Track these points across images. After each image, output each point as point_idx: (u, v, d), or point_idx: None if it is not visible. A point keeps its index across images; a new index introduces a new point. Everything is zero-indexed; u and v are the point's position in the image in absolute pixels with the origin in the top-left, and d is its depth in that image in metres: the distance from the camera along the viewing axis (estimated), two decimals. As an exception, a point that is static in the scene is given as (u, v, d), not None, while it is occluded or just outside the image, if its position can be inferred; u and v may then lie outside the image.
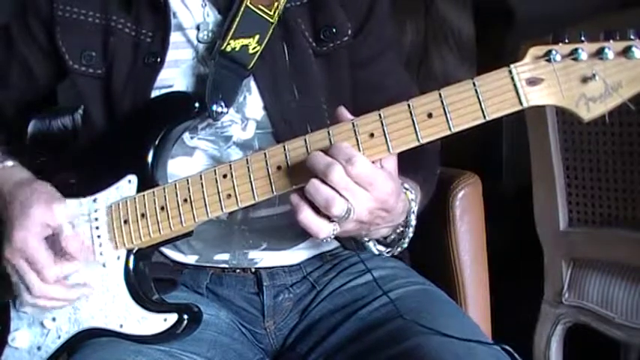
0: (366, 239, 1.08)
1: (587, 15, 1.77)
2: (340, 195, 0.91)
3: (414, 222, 1.06)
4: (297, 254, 1.22)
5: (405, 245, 1.09)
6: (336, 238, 1.22)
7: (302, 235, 1.22)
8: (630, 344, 1.93)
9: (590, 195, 1.86)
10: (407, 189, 1.05)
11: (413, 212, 1.06)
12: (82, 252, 1.08)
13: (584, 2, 2.16)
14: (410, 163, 1.04)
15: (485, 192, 1.39)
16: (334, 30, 1.17)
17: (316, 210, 0.92)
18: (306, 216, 0.93)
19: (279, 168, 0.98)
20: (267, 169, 0.99)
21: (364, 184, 0.92)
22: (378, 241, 1.10)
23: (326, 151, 0.93)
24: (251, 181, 0.99)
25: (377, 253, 1.10)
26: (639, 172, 1.78)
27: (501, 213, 1.90)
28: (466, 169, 1.40)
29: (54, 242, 1.08)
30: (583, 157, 1.85)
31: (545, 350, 1.92)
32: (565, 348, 1.93)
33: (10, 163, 1.18)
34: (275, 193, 0.98)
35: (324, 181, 0.91)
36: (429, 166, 1.21)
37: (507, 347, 1.01)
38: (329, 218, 0.92)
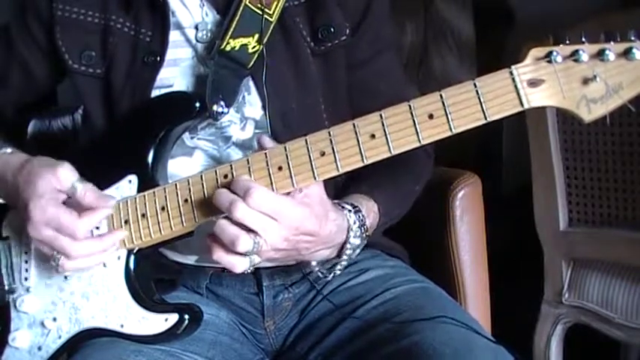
0: (313, 263, 1.08)
1: (587, 15, 1.77)
2: (248, 230, 0.94)
3: (353, 240, 1.06)
4: (296, 254, 1.23)
5: (344, 264, 1.09)
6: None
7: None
8: (630, 344, 1.93)
9: (590, 195, 1.86)
10: (346, 207, 1.06)
11: (351, 230, 1.05)
12: (100, 199, 1.06)
13: (584, 2, 2.16)
14: (365, 182, 1.09)
15: (485, 192, 1.39)
16: (332, 29, 1.17)
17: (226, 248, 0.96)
18: (219, 255, 0.97)
19: (280, 168, 0.98)
20: (268, 169, 0.99)
21: (269, 213, 0.95)
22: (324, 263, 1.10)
23: (229, 187, 0.97)
24: None
25: (320, 275, 1.11)
26: (639, 172, 1.78)
27: (501, 213, 1.90)
28: (466, 169, 1.41)
29: (72, 204, 1.06)
30: (583, 157, 1.86)
31: (545, 350, 1.92)
32: (565, 348, 1.93)
33: (8, 149, 1.17)
34: (276, 192, 0.98)
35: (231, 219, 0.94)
36: (391, 184, 1.20)
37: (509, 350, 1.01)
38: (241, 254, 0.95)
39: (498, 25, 2.62)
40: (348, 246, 1.06)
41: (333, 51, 1.18)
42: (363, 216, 1.07)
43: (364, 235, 1.07)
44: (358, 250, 1.09)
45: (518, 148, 2.13)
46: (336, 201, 1.07)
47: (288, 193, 0.98)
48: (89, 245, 1.05)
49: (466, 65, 2.61)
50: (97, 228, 1.10)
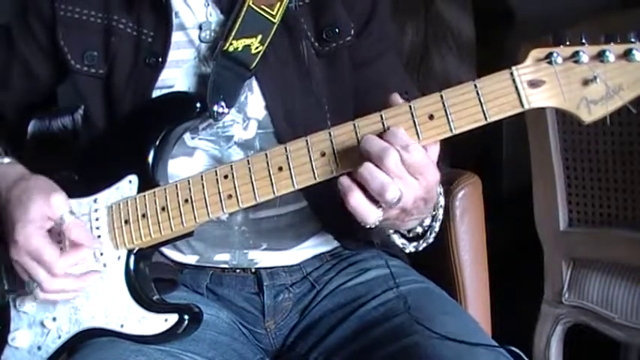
0: (392, 231, 1.07)
1: (587, 15, 1.77)
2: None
3: (441, 216, 1.06)
4: (297, 254, 1.23)
5: (431, 240, 1.08)
6: (339, 236, 1.23)
7: (302, 235, 1.22)
8: (630, 344, 1.93)
9: (590, 195, 1.87)
10: None
11: (441, 206, 1.06)
12: (86, 238, 1.07)
13: (584, 2, 2.16)
14: None
15: (485, 192, 1.39)
16: (337, 30, 1.17)
17: (367, 194, 0.91)
18: (358, 200, 0.91)
19: (280, 169, 0.98)
20: (269, 170, 0.99)
21: (415, 172, 0.91)
22: (402, 235, 1.09)
23: (381, 136, 0.92)
24: (252, 182, 0.99)
25: (401, 246, 1.09)
26: (639, 172, 1.78)
27: (501, 213, 1.90)
28: (466, 169, 1.41)
29: (58, 234, 1.07)
30: (583, 157, 1.86)
31: (545, 350, 1.92)
32: (565, 348, 1.93)
33: (6, 160, 1.17)
34: (276, 194, 0.98)
35: (377, 166, 0.90)
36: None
37: (513, 348, 1.01)
38: (377, 203, 0.91)
39: (498, 25, 2.62)
40: (437, 222, 1.06)
41: (338, 51, 1.18)
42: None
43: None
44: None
45: (518, 148, 2.13)
46: None
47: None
48: (65, 283, 1.06)
49: (466, 65, 2.61)
50: (98, 228, 1.10)
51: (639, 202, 1.79)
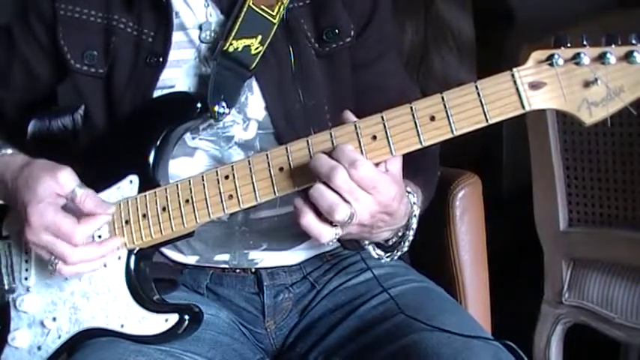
0: (366, 242, 1.07)
1: (587, 15, 1.77)
2: (344, 200, 0.91)
3: (414, 225, 1.06)
4: (297, 254, 1.23)
5: (405, 249, 1.08)
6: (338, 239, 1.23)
7: (302, 235, 1.22)
8: (630, 344, 1.94)
9: (590, 195, 1.87)
10: (409, 192, 1.05)
11: (415, 216, 1.05)
12: (100, 206, 1.05)
13: (584, 3, 2.16)
14: (411, 166, 1.04)
15: (485, 192, 1.39)
16: (337, 31, 1.17)
17: (319, 214, 0.92)
18: (309, 220, 0.93)
19: (281, 169, 0.98)
20: (270, 170, 0.99)
21: (367, 187, 0.92)
22: (378, 245, 1.09)
23: (329, 154, 0.93)
24: (253, 182, 0.99)
25: (376, 257, 1.10)
26: (639, 172, 1.78)
27: (501, 213, 1.90)
28: (466, 169, 1.41)
29: (71, 209, 1.06)
30: (583, 157, 1.86)
31: (545, 350, 1.92)
32: (565, 348, 1.93)
33: (9, 150, 1.17)
34: (277, 194, 0.98)
35: (327, 185, 0.91)
36: (430, 169, 1.21)
37: (509, 343, 1.01)
38: (331, 222, 0.92)
39: (498, 25, 2.62)
40: (411, 231, 1.06)
41: (338, 52, 1.18)
42: (418, 201, 1.07)
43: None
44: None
45: (518, 148, 2.13)
46: None
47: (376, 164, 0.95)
48: (87, 251, 1.05)
49: (466, 65, 2.61)
50: (99, 228, 1.09)
51: (639, 202, 1.79)
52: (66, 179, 1.05)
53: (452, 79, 2.59)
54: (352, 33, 1.18)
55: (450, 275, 1.37)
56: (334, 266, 1.25)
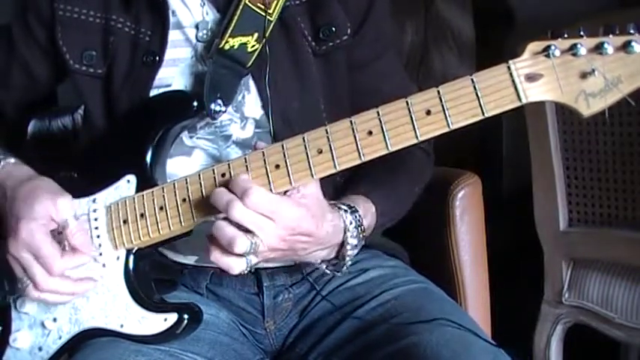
0: (313, 261, 1.08)
1: (587, 15, 1.77)
2: (246, 230, 0.94)
3: (350, 240, 1.05)
4: (296, 255, 1.23)
5: (349, 263, 1.08)
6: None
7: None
8: (630, 344, 1.93)
9: (590, 195, 1.87)
10: (344, 208, 1.05)
11: (347, 230, 1.05)
12: (87, 246, 1.07)
13: (584, 2, 2.16)
14: (367, 181, 1.10)
15: (485, 192, 1.39)
16: (333, 29, 1.17)
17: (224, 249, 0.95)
18: (216, 256, 0.97)
19: (277, 167, 0.98)
20: (266, 168, 0.99)
21: (267, 213, 0.95)
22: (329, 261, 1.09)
23: (227, 186, 0.97)
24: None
25: (329, 273, 1.10)
26: (639, 172, 1.78)
27: (501, 213, 1.90)
28: (466, 169, 1.40)
29: (59, 236, 1.07)
30: (583, 157, 1.86)
31: (545, 350, 1.92)
32: (565, 348, 1.93)
33: (12, 159, 1.18)
34: (274, 191, 0.98)
35: (228, 219, 0.94)
36: (400, 182, 1.20)
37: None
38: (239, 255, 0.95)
39: (498, 25, 2.62)
40: (348, 247, 1.06)
41: (335, 51, 1.18)
42: (360, 216, 1.07)
43: (361, 235, 1.07)
44: (357, 250, 1.08)
45: (518, 148, 2.13)
46: (332, 202, 1.06)
47: (285, 192, 0.98)
48: (60, 284, 1.06)
49: (466, 65, 2.61)
50: (96, 228, 1.10)
51: (639, 202, 1.79)
52: (64, 206, 1.08)
53: (452, 78, 2.59)
54: (349, 31, 1.18)
55: (450, 275, 1.37)
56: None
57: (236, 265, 0.96)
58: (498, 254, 1.50)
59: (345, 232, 1.05)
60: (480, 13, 2.61)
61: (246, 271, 0.98)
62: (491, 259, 1.40)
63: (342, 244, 1.06)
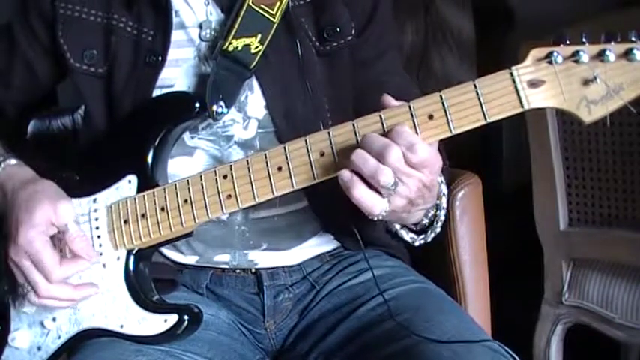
0: (398, 227, 1.07)
1: (587, 15, 1.77)
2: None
3: (445, 205, 1.06)
4: (297, 255, 1.23)
5: (439, 230, 1.08)
6: (339, 236, 1.23)
7: (302, 235, 1.22)
8: (630, 344, 1.93)
9: (590, 195, 1.87)
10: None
11: (444, 194, 1.06)
12: (87, 251, 1.07)
13: (584, 2, 2.16)
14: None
15: (485, 192, 1.39)
16: (338, 29, 1.17)
17: (369, 185, 0.91)
18: (361, 192, 0.91)
19: (279, 169, 0.98)
20: (268, 170, 0.99)
21: (421, 168, 0.92)
22: (410, 229, 1.09)
23: (386, 135, 0.92)
24: (251, 182, 1.00)
25: (410, 241, 1.10)
26: (639, 172, 1.78)
27: (501, 213, 1.90)
28: (466, 169, 1.40)
29: (59, 241, 1.07)
30: (583, 157, 1.86)
31: (545, 350, 1.92)
32: (565, 348, 1.93)
33: (13, 161, 1.17)
34: (276, 194, 0.98)
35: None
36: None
37: (499, 343, 1.02)
38: (381, 194, 0.91)
39: (498, 25, 2.62)
40: (442, 212, 1.06)
41: (338, 51, 1.18)
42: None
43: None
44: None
45: (518, 148, 2.13)
46: None
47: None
48: (60, 290, 1.06)
49: (466, 65, 2.61)
50: (97, 228, 1.10)
51: (639, 202, 1.79)
52: (64, 211, 1.07)
53: (452, 78, 2.59)
54: (353, 31, 1.18)
55: (450, 275, 1.37)
56: (334, 266, 1.25)
57: (379, 205, 0.92)
58: (498, 254, 1.50)
59: (440, 197, 1.05)
60: (479, 13, 2.61)
61: (381, 216, 0.93)
62: (491, 259, 1.40)
63: (437, 208, 1.06)
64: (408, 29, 2.56)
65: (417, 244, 1.11)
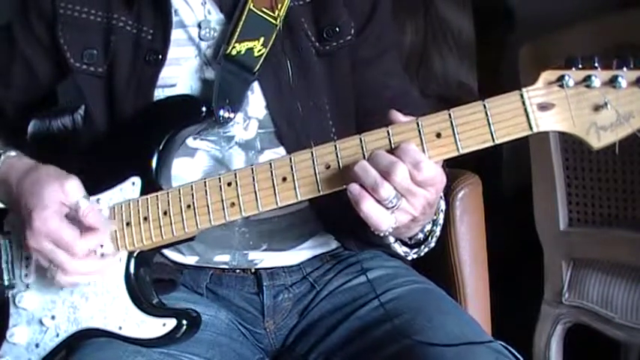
0: (392, 240, 1.07)
1: (587, 15, 1.77)
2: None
3: (442, 221, 1.06)
4: (297, 255, 1.22)
5: (432, 245, 1.08)
6: (339, 236, 1.23)
7: (302, 236, 1.22)
8: (630, 344, 1.93)
9: (590, 195, 1.87)
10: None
11: (442, 210, 1.05)
12: (102, 222, 1.05)
13: (584, 2, 2.16)
14: None
15: (485, 192, 1.39)
16: (337, 29, 1.17)
17: (377, 200, 0.90)
18: (369, 206, 0.90)
19: (284, 179, 0.98)
20: (273, 180, 0.98)
21: (426, 186, 0.91)
22: (403, 242, 1.09)
23: (392, 152, 0.91)
24: (256, 191, 0.99)
25: (403, 254, 1.10)
26: (639, 172, 1.78)
27: (501, 213, 1.90)
28: (466, 169, 1.40)
29: (73, 219, 1.05)
30: (583, 157, 1.86)
31: (545, 350, 1.93)
32: (565, 348, 1.93)
33: (12, 152, 1.17)
34: (279, 204, 0.98)
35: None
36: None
37: (502, 343, 1.01)
38: (388, 209, 0.91)
39: (498, 25, 2.62)
40: (438, 228, 1.06)
41: (338, 51, 1.18)
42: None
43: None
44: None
45: (518, 148, 2.12)
46: None
47: None
48: (86, 264, 1.05)
49: (466, 65, 2.61)
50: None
51: (639, 202, 1.79)
52: (72, 189, 1.05)
53: (452, 79, 2.59)
54: (352, 31, 1.18)
55: (450, 275, 1.37)
56: (334, 267, 1.25)
57: (386, 220, 0.91)
58: (498, 254, 1.50)
59: (437, 212, 1.05)
60: (479, 13, 2.61)
61: (388, 232, 0.93)
62: (491, 259, 1.40)
63: (434, 223, 1.06)
64: (407, 29, 2.56)
65: (409, 258, 1.10)
